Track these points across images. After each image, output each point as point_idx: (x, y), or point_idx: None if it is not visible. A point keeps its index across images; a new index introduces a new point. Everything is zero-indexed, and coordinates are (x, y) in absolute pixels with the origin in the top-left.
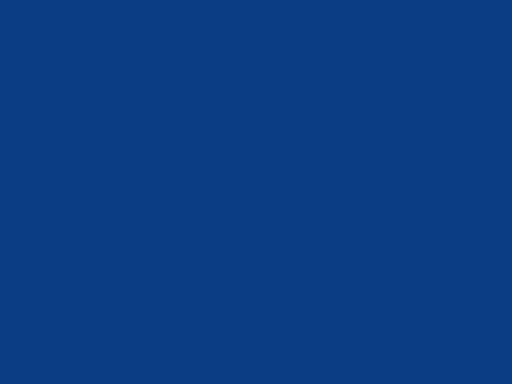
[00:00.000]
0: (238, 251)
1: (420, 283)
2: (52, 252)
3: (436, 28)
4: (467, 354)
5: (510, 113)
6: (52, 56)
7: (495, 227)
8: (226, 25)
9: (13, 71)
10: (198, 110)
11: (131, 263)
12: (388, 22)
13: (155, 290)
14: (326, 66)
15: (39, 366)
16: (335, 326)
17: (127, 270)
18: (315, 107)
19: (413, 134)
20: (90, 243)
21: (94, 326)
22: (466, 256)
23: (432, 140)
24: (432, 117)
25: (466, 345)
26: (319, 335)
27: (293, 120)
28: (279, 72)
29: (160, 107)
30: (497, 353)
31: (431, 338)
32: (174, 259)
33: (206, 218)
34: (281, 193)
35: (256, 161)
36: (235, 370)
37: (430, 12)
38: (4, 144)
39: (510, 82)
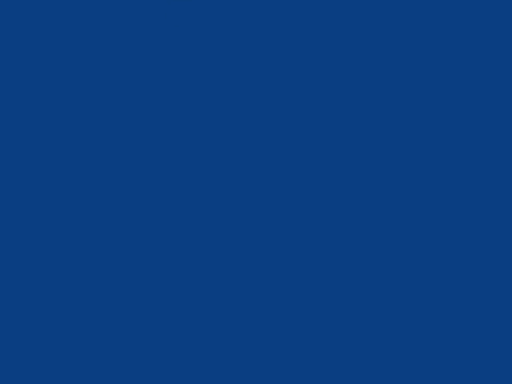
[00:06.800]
0: (237, 251)
1: (420, 283)
2: (52, 252)
3: (436, 28)
4: (467, 354)
5: (510, 113)
6: (52, 56)
7: (495, 227)
8: (226, 25)
9: (13, 71)
10: (198, 110)
11: (131, 263)
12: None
13: (155, 290)
14: (326, 66)
15: (39, 366)
16: (335, 326)
17: (127, 270)
18: (315, 107)
19: (413, 134)
20: (90, 243)
21: (94, 326)
22: (466, 256)
23: (432, 140)
24: (432, 117)
25: (466, 345)
26: (319, 336)
27: (293, 120)
28: (279, 72)
29: (160, 107)
30: (497, 353)
31: (431, 338)
32: (174, 259)
33: (206, 218)
34: (281, 193)
35: (256, 161)
36: (235, 369)
37: (429, 12)
38: (4, 144)
39: (510, 82)
